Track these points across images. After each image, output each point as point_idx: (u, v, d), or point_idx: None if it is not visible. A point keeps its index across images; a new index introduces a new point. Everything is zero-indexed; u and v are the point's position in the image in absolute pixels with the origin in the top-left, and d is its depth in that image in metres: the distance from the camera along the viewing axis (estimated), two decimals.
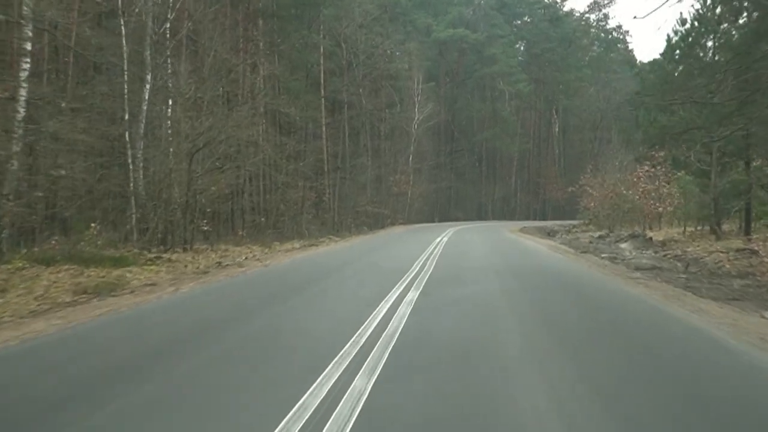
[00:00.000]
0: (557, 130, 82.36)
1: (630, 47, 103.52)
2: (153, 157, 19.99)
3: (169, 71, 22.10)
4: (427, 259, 16.35)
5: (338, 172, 44.45)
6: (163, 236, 19.15)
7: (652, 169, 30.49)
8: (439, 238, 26.70)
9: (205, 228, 21.92)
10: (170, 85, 21.05)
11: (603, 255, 17.65)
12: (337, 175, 44.16)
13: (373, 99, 54.91)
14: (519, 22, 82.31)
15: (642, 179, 31.02)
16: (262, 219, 29.33)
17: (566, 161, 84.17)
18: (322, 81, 44.86)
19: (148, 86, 20.57)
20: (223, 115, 20.62)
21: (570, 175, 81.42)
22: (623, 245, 19.05)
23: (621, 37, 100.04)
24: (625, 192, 32.04)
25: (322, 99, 44.97)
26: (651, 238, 22.53)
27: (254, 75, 28.22)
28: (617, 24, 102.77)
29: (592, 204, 41.63)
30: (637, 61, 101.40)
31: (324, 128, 45.99)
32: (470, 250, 20.25)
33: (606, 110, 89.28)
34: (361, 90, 52.91)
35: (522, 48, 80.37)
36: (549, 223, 55.25)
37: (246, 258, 17.10)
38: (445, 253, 18.73)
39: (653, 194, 30.12)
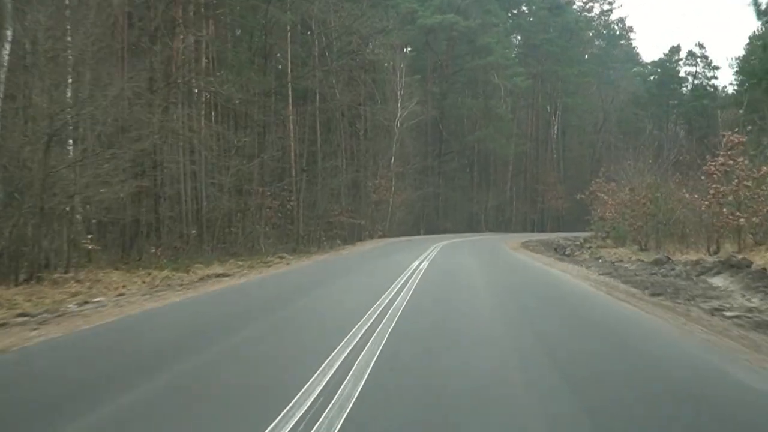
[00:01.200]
0: (556, 131, 76.84)
1: (633, 44, 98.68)
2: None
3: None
4: (384, 314, 10.27)
5: (305, 175, 38.41)
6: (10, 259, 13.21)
7: (730, 162, 23.67)
8: (417, 262, 20.60)
9: (89, 246, 15.90)
10: (27, 41, 14.97)
11: (729, 313, 9.48)
12: (303, 179, 38.14)
13: (349, 92, 49.13)
14: (516, 11, 76.74)
15: (716, 175, 24.13)
16: (193, 232, 23.15)
17: (565, 166, 78.76)
18: (289, 69, 39.12)
19: (7, 44, 14.64)
20: (102, 83, 14.60)
21: (570, 182, 75.97)
22: (718, 281, 12.76)
23: (624, 33, 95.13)
24: (679, 197, 25.89)
25: (290, 88, 39.14)
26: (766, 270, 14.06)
27: (175, 41, 22.16)
28: (621, 17, 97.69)
29: (608, 213, 35.86)
30: (641, 60, 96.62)
31: (291, 124, 40.14)
32: (462, 287, 14.43)
33: (609, 111, 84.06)
34: (334, 81, 47.14)
35: (519, 38, 74.86)
36: (552, 236, 49.59)
37: (85, 303, 11.04)
38: (421, 293, 12.54)
39: (730, 198, 23.38)
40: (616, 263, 20.08)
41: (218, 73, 26.60)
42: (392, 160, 51.07)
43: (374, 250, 31.97)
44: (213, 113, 33.68)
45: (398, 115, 52.18)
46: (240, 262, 22.71)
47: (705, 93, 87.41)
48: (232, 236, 29.27)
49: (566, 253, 28.32)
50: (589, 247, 33.19)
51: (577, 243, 37.68)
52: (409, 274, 16.28)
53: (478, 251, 28.59)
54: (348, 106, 49.59)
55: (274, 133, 41.11)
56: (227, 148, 31.12)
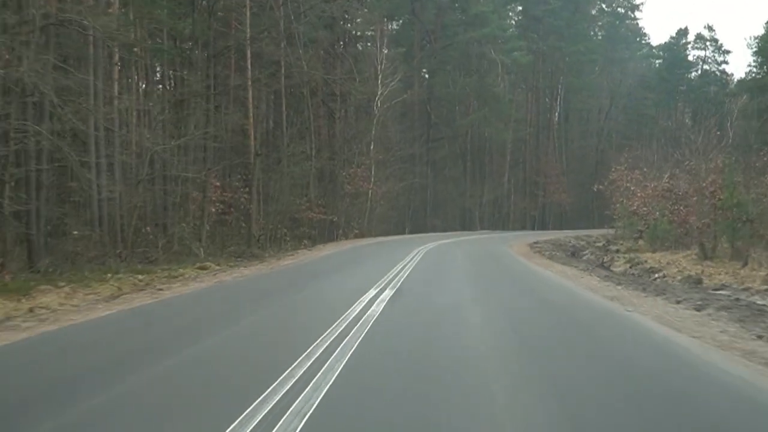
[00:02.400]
0: (558, 116, 70.49)
1: (640, 24, 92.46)
2: None
3: None
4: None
5: (259, 160, 31.80)
6: None
7: None
8: (373, 291, 13.22)
9: None
10: None
11: None
12: (257, 165, 31.50)
13: (323, 67, 42.71)
14: None
15: None
16: (75, 233, 16.49)
17: (568, 156, 72.43)
18: (248, 27, 32.55)
19: None
20: None
21: (573, 174, 69.74)
22: None
23: (631, 13, 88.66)
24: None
25: (248, 49, 32.61)
26: None
27: None
28: None
29: (636, 207, 29.45)
30: (648, 41, 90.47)
31: (250, 97, 33.56)
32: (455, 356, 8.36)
33: (617, 95, 77.76)
34: (301, 51, 40.60)
35: (519, 9, 68.23)
36: (559, 235, 43.41)
37: None
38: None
39: None
40: (717, 291, 13.44)
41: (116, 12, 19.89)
42: (371, 146, 44.48)
43: (331, 257, 25.64)
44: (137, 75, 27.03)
45: (378, 94, 45.62)
46: (139, 277, 16.11)
47: (714, 79, 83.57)
48: (151, 238, 22.57)
49: (604, 263, 21.73)
50: (619, 251, 26.69)
51: (598, 244, 31.27)
52: (339, 331, 9.59)
53: (477, 262, 22.35)
54: (320, 82, 43.11)
55: (225, 108, 34.57)
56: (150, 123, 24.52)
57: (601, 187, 40.24)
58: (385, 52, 48.04)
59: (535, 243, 32.96)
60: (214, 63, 30.34)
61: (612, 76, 79.95)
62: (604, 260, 23.96)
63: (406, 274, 16.38)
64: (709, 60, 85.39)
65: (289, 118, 42.67)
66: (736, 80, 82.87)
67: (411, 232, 50.03)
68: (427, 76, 57.37)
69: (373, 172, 44.00)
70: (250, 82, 32.33)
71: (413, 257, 22.39)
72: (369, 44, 50.87)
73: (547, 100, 70.17)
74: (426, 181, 54.05)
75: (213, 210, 33.95)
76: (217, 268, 20.22)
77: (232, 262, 24.56)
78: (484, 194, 58.08)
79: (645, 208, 28.65)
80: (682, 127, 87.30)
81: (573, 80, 67.58)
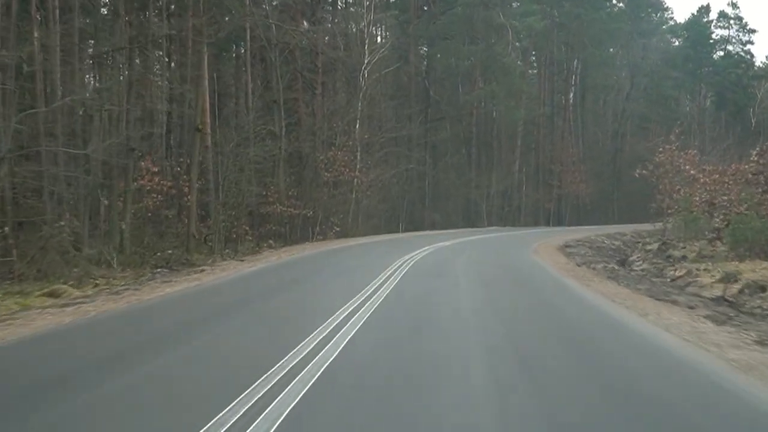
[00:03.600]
0: (574, 94, 63.25)
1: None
2: None
3: None
4: None
5: (199, 135, 24.76)
6: None
7: None
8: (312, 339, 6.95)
9: None
10: None
11: None
12: (197, 143, 24.48)
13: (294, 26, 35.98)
14: None
15: None
16: None
17: (584, 141, 65.26)
18: None
19: None
20: None
21: (589, 162, 62.52)
22: None
23: None
24: None
25: None
26: None
27: None
28: None
29: (703, 196, 22.48)
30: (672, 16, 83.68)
31: (204, 57, 26.84)
32: None
33: (639, 73, 70.59)
34: (267, 7, 33.97)
35: None
36: (587, 233, 36.31)
37: None
38: None
39: None
40: None
41: None
42: (357, 126, 37.42)
43: (265, 275, 18.47)
44: None
45: (365, 63, 38.60)
46: None
47: (737, 61, 78.79)
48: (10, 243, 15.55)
49: (672, 280, 14.62)
50: (686, 257, 19.60)
51: (649, 248, 24.25)
52: None
53: (495, 287, 14.22)
54: (297, 50, 36.26)
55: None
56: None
57: (644, 172, 33.13)
58: (374, 15, 40.90)
59: (565, 246, 25.99)
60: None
61: (634, 51, 72.95)
62: (676, 274, 16.91)
63: (360, 323, 9.34)
64: (733, 40, 79.85)
65: (258, 90, 35.92)
66: (760, 62, 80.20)
67: (406, 230, 43.02)
68: (425, 46, 50.13)
69: (358, 157, 36.97)
70: (190, 31, 25.26)
71: (392, 276, 15.44)
72: (353, 8, 43.73)
73: (562, 77, 62.78)
74: (424, 169, 47.01)
75: (150, 204, 27.17)
76: (90, 292, 13.20)
77: (146, 275, 17.79)
78: (492, 184, 51.00)
79: (725, 197, 21.62)
80: (704, 113, 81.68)
81: (593, 53, 60.21)
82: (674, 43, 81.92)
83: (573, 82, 63.22)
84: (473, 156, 51.93)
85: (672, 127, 79.85)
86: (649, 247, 24.19)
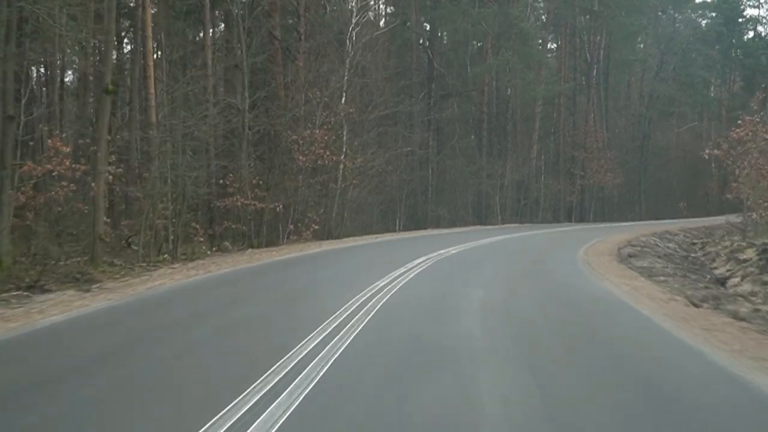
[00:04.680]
0: (597, 70, 56.36)
1: None
2: None
3: None
4: None
5: (109, 100, 18.02)
6: None
7: None
8: None
9: None
10: None
11: None
12: (105, 113, 17.78)
13: None
14: None
15: None
16: None
17: (608, 125, 58.50)
18: None
19: None
20: None
21: (615, 150, 55.74)
22: None
23: None
24: None
25: None
26: None
27: None
28: None
29: None
30: None
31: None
32: None
33: (669, 50, 63.83)
34: None
35: None
36: (633, 233, 29.77)
37: None
38: None
39: None
40: None
41: None
42: (343, 99, 30.76)
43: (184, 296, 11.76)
44: None
45: (352, 24, 32.07)
46: None
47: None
48: None
49: None
50: None
51: (743, 257, 17.70)
52: None
53: (567, 376, 7.19)
54: (273, 8, 29.93)
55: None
56: None
57: (716, 152, 26.40)
58: None
59: (619, 251, 19.39)
60: None
61: (664, 24, 66.30)
62: None
63: None
64: (764, 20, 75.00)
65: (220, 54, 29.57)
66: None
67: (405, 228, 36.44)
68: (428, 6, 43.22)
69: (345, 137, 30.32)
70: None
71: (353, 325, 8.84)
72: None
73: (586, 48, 55.84)
74: (426, 154, 40.29)
75: (60, 194, 20.56)
76: None
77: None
78: (506, 174, 44.24)
79: None
80: (734, 98, 75.48)
81: (621, 22, 53.22)
82: (702, 22, 75.76)
83: (597, 58, 56.19)
84: (484, 140, 45.13)
85: (701, 112, 75.30)
86: (743, 256, 17.45)
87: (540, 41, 47.78)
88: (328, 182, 29.25)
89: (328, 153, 27.46)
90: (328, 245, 24.38)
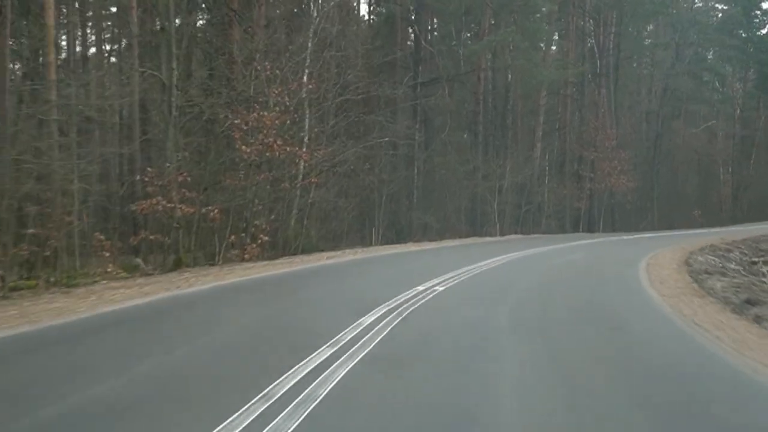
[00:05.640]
0: (607, 61, 50.47)
1: None
2: None
3: None
4: None
5: None
6: None
7: None
8: None
9: None
10: None
11: None
12: None
13: None
14: None
15: None
16: None
17: (618, 123, 52.59)
18: None
19: None
20: None
21: (627, 150, 50.00)
22: None
23: None
24: None
25: None
26: None
27: None
28: None
29: None
30: None
31: None
32: None
33: (684, 42, 58.46)
34: None
35: None
36: (675, 248, 23.90)
37: None
38: None
39: None
40: None
41: None
42: (305, 75, 24.72)
43: None
44: None
45: None
46: None
47: None
48: None
49: None
50: None
51: None
52: None
53: None
54: None
55: None
56: None
57: None
58: None
59: (692, 276, 13.61)
60: None
61: (680, 11, 60.77)
62: None
63: None
64: None
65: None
66: None
67: (384, 240, 30.44)
68: None
69: (307, 125, 24.29)
70: None
71: None
72: None
73: (594, 34, 49.94)
74: (412, 149, 34.22)
75: None
76: None
77: None
78: (505, 175, 38.18)
79: None
80: (749, 96, 70.81)
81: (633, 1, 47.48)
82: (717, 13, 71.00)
83: (607, 45, 50.24)
84: (480, 135, 39.00)
85: (717, 111, 70.28)
86: None
87: (547, 17, 41.73)
88: (282, 180, 23.08)
89: (279, 143, 21.26)
90: (265, 270, 18.14)
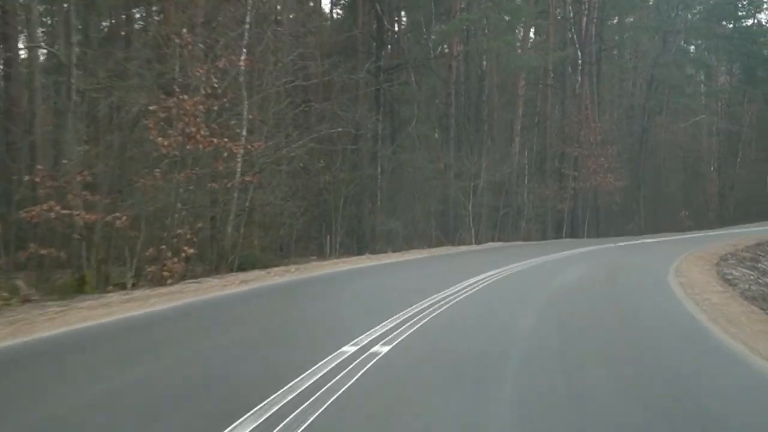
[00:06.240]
0: (591, 47, 47.46)
1: None
2: None
3: None
4: None
5: None
6: None
7: None
8: None
9: None
10: None
11: None
12: None
13: None
14: None
15: None
16: None
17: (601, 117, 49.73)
18: None
19: None
20: None
21: (613, 145, 47.10)
22: None
23: None
24: None
25: None
26: None
27: None
28: None
29: None
30: None
31: None
32: None
33: (671, 30, 56.17)
34: None
35: None
36: (687, 256, 20.88)
37: None
38: None
39: None
40: None
41: None
42: (243, 53, 21.18)
43: None
44: None
45: None
46: None
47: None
48: None
49: None
50: None
51: None
52: None
53: None
54: None
55: None
56: None
57: None
58: None
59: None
60: None
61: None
62: None
63: None
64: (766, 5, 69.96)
65: None
66: None
67: (342, 251, 26.93)
68: None
69: (245, 114, 20.66)
70: None
71: None
72: None
73: (580, 17, 46.74)
74: (375, 147, 30.70)
75: None
76: None
77: None
78: (481, 174, 34.73)
79: None
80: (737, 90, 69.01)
81: None
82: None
83: (591, 32, 47.07)
84: (452, 129, 35.48)
85: (706, 105, 68.14)
86: None
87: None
88: (213, 179, 19.39)
89: (204, 133, 17.54)
90: (195, 291, 14.35)
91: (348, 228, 29.22)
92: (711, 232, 43.69)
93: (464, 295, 13.07)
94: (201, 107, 17.82)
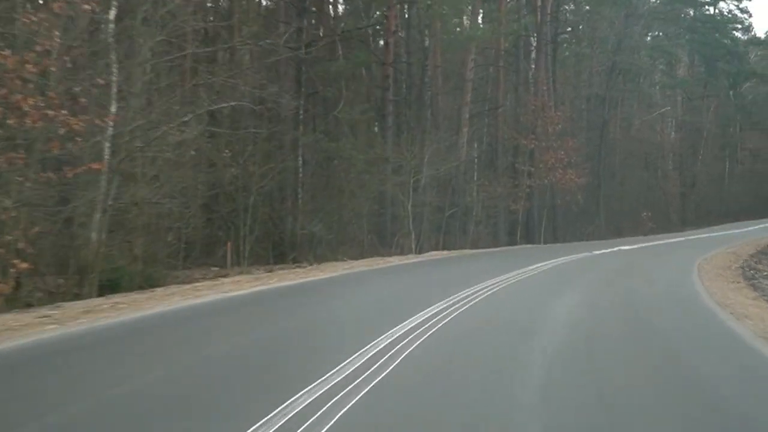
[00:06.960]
0: (549, 27, 44.13)
1: None
2: None
3: None
4: None
5: None
6: None
7: None
8: None
9: None
10: None
11: None
12: None
13: None
14: None
15: None
16: None
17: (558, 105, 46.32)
18: None
19: None
20: None
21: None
22: None
23: None
24: None
25: None
26: None
27: None
28: None
29: None
30: None
31: None
32: None
33: (634, 13, 53.80)
34: None
35: None
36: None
37: None
38: None
39: None
40: None
41: None
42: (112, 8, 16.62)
43: None
44: None
45: None
46: None
47: (727, 20, 69.38)
48: None
49: None
50: None
51: None
52: None
53: None
54: None
55: None
56: None
57: None
58: None
59: None
60: None
61: None
62: None
63: None
64: None
65: None
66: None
67: (256, 260, 22.68)
68: None
69: (115, 78, 16.22)
70: None
71: None
72: None
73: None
74: (296, 132, 26.42)
75: None
76: None
77: None
78: (423, 167, 30.56)
79: None
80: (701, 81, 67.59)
81: None
82: None
83: (546, 10, 43.57)
84: (390, 115, 31.29)
85: (670, 97, 66.26)
86: None
87: None
88: (56, 168, 14.84)
89: (33, 102, 12.97)
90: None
91: (262, 233, 24.86)
92: (693, 236, 41.62)
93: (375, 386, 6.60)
94: (31, 67, 13.26)
